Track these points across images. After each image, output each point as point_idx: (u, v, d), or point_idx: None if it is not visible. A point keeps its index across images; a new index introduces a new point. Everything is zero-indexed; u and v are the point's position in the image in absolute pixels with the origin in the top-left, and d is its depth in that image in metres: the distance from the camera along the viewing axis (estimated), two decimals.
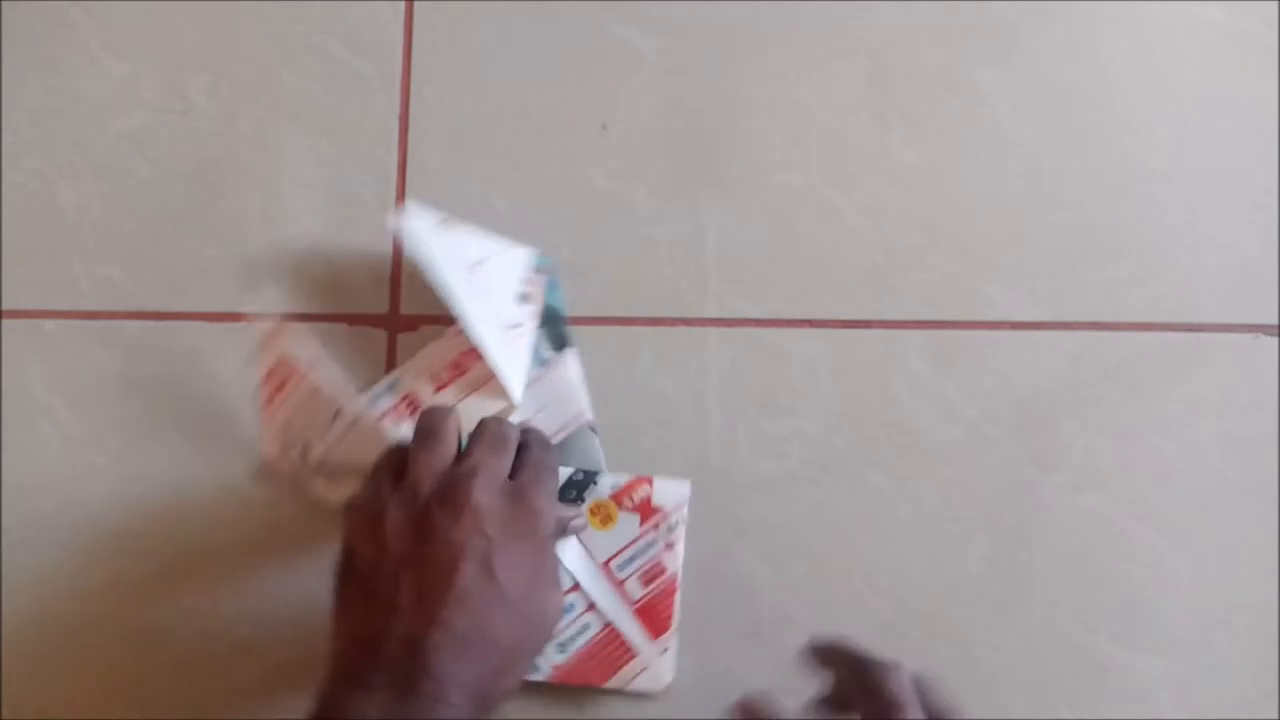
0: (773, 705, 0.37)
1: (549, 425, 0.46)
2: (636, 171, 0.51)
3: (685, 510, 0.46)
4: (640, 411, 0.48)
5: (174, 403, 0.48)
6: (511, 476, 0.40)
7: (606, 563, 0.45)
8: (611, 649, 0.45)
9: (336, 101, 0.51)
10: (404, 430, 0.44)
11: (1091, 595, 0.47)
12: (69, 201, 0.50)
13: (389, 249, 0.50)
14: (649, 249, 0.50)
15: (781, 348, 0.49)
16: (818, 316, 0.50)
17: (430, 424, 0.40)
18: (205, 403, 0.48)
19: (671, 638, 0.45)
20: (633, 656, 0.45)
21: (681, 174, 0.51)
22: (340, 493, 0.43)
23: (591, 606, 0.45)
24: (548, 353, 0.47)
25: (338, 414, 0.44)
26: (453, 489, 0.38)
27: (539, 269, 0.48)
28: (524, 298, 0.47)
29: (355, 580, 0.38)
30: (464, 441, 0.40)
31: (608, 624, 0.45)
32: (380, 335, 0.49)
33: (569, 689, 0.45)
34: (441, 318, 0.49)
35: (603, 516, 0.45)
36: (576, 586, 0.45)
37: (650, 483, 0.46)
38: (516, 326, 0.46)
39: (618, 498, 0.45)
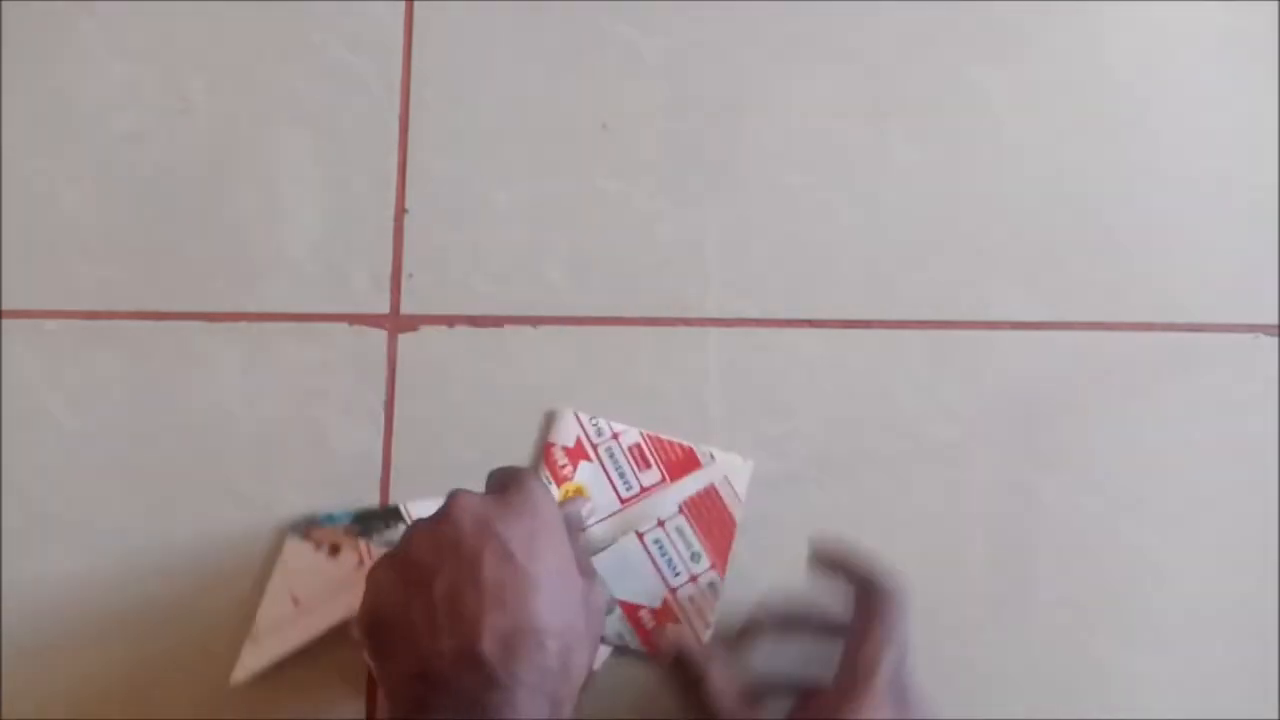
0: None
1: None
2: (636, 171, 0.51)
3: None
4: (640, 411, 0.48)
5: (174, 403, 0.48)
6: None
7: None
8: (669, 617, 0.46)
9: (336, 101, 0.51)
10: None
11: (1091, 595, 0.47)
12: (69, 201, 0.50)
13: (389, 249, 0.50)
14: (649, 249, 0.50)
15: (781, 348, 0.49)
16: (818, 316, 0.50)
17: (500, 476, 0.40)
18: (205, 403, 0.48)
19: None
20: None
21: (681, 174, 0.51)
22: None
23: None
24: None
25: None
26: (439, 514, 0.37)
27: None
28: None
29: (386, 628, 0.37)
30: None
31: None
32: (380, 335, 0.49)
33: None
34: (442, 318, 0.49)
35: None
36: None
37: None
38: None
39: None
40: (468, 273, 0.50)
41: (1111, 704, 0.46)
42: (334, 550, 0.45)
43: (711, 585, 0.46)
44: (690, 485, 0.47)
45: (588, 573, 0.39)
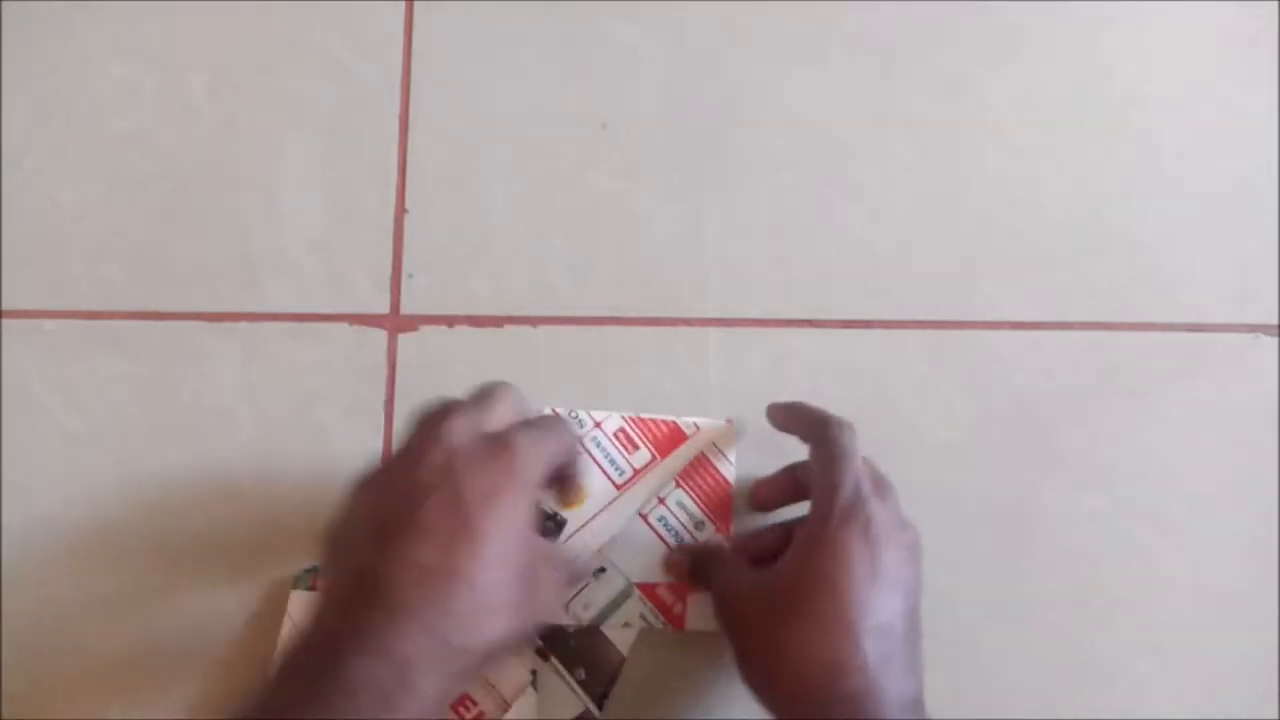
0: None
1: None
2: (636, 171, 0.51)
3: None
4: (640, 411, 0.48)
5: (174, 403, 0.48)
6: None
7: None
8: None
9: (336, 101, 0.51)
10: None
11: (1091, 595, 0.47)
12: (69, 201, 0.50)
13: (389, 249, 0.50)
14: (649, 249, 0.50)
15: (781, 348, 0.49)
16: (818, 316, 0.50)
17: (485, 388, 0.39)
18: (205, 403, 0.48)
19: None
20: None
21: (681, 174, 0.51)
22: None
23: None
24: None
25: None
26: (424, 432, 0.36)
27: None
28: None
29: (334, 534, 0.37)
30: None
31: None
32: (380, 335, 0.49)
33: None
34: (442, 318, 0.49)
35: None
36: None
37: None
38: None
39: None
40: (468, 273, 0.50)
41: (1111, 704, 0.46)
42: None
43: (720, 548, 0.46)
44: (681, 457, 0.47)
45: (552, 563, 0.39)
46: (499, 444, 0.36)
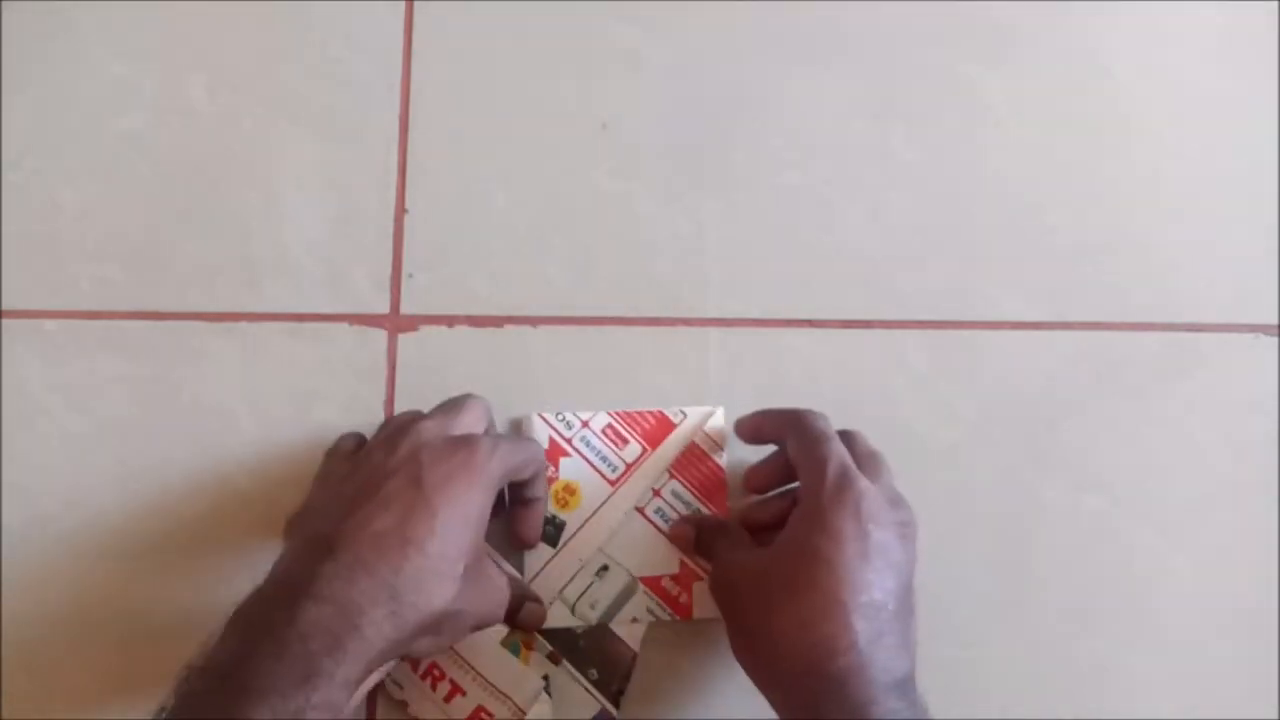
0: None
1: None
2: (636, 171, 0.51)
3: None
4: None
5: (174, 403, 0.48)
6: None
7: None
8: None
9: (336, 101, 0.51)
10: None
11: (1091, 595, 0.47)
12: (69, 201, 0.50)
13: (389, 249, 0.50)
14: (649, 249, 0.50)
15: (781, 348, 0.49)
16: (818, 316, 0.50)
17: (454, 399, 0.43)
18: (205, 403, 0.48)
19: None
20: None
21: (681, 174, 0.51)
22: None
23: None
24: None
25: None
26: (396, 432, 0.40)
27: None
28: None
29: (300, 515, 0.40)
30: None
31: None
32: (380, 335, 0.49)
33: None
34: (442, 318, 0.49)
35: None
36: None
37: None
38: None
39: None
40: (468, 273, 0.50)
41: (1112, 704, 0.46)
42: None
43: None
44: (672, 447, 0.47)
45: (500, 568, 0.42)
46: (462, 441, 0.39)
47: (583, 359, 0.49)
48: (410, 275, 0.50)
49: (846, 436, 0.43)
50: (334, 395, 0.48)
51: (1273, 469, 0.49)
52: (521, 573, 0.46)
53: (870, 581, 0.37)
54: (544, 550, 0.46)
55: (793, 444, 0.42)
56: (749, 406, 0.46)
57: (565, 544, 0.46)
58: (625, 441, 0.47)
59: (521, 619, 0.43)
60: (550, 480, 0.46)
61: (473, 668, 0.44)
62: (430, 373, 0.49)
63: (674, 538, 0.46)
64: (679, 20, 0.53)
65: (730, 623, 0.41)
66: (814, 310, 0.50)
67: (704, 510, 0.47)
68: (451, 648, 0.43)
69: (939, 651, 0.46)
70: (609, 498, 0.46)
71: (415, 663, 0.44)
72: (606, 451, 0.47)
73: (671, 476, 0.47)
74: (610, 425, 0.47)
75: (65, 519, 0.47)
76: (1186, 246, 0.51)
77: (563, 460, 0.47)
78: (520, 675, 0.44)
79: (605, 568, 0.46)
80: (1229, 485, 0.48)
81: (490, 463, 0.39)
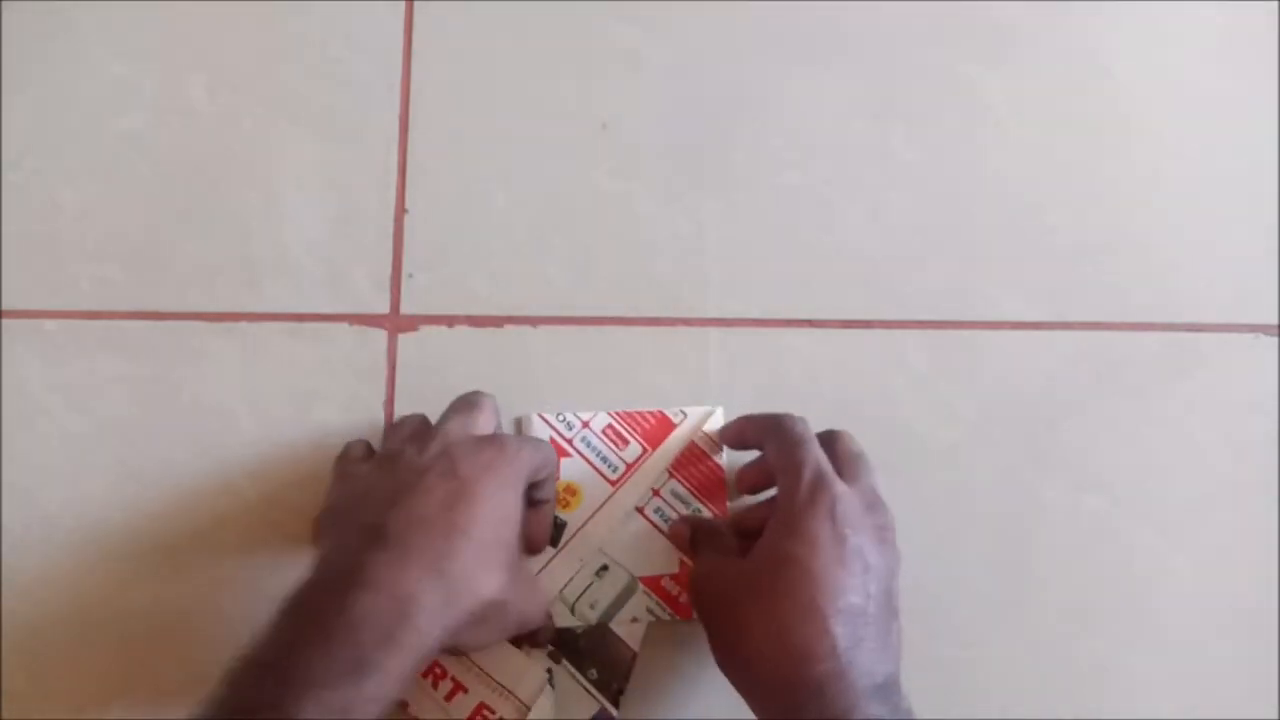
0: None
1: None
2: (636, 171, 0.51)
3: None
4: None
5: (174, 403, 0.48)
6: None
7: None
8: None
9: (336, 101, 0.51)
10: None
11: (1091, 595, 0.47)
12: (69, 201, 0.50)
13: (389, 249, 0.50)
14: (649, 249, 0.50)
15: (781, 348, 0.49)
16: (818, 316, 0.50)
17: (467, 397, 0.43)
18: (205, 403, 0.48)
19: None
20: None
21: (681, 174, 0.51)
22: None
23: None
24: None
25: None
26: (420, 432, 0.41)
27: None
28: None
29: (329, 514, 0.40)
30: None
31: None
32: (380, 335, 0.49)
33: None
34: (442, 318, 0.49)
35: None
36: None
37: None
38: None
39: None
40: (468, 273, 0.50)
41: (1112, 704, 0.46)
42: None
43: None
44: (672, 447, 0.47)
45: (531, 569, 0.43)
46: (490, 439, 0.40)
47: (583, 359, 0.49)
48: (410, 275, 0.50)
49: (830, 437, 0.43)
50: (334, 395, 0.48)
51: (1273, 469, 0.49)
52: None
53: (847, 586, 0.37)
54: (544, 550, 0.46)
55: (770, 449, 0.42)
56: (749, 406, 0.47)
57: (565, 544, 0.46)
58: (625, 442, 0.47)
59: (536, 635, 0.44)
60: None
61: (475, 663, 0.44)
62: (430, 373, 0.49)
63: (673, 537, 0.46)
64: (679, 20, 0.53)
65: (709, 630, 0.41)
66: (814, 310, 0.50)
67: (703, 510, 0.47)
68: None
69: (939, 651, 0.46)
70: (609, 498, 0.46)
71: None
72: (607, 452, 0.47)
73: (671, 477, 0.47)
74: (610, 425, 0.47)
75: (65, 519, 0.47)
76: (1186, 246, 0.51)
77: (563, 461, 0.47)
78: (524, 668, 0.44)
79: (605, 568, 0.46)
80: (1229, 485, 0.48)
81: (518, 460, 0.39)
